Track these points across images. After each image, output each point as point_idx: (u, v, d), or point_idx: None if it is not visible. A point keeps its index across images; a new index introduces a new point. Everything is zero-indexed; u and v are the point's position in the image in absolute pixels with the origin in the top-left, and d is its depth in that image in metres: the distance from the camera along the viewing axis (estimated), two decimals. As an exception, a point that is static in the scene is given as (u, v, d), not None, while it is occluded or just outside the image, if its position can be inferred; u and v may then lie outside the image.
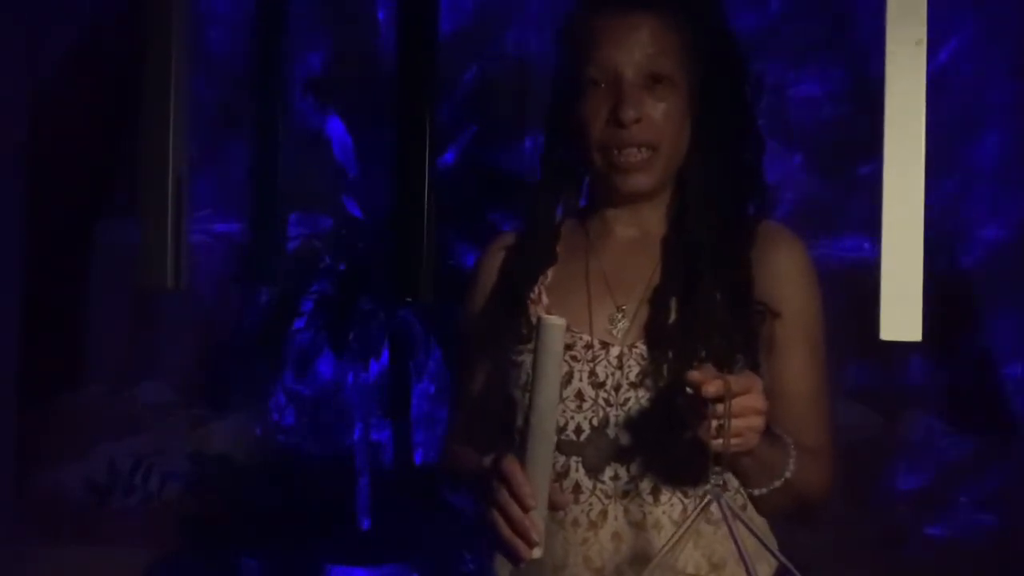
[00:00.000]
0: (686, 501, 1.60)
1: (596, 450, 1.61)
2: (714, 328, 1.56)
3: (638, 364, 1.60)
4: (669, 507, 1.60)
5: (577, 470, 1.61)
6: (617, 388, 1.61)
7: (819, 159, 4.69)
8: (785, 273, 1.64)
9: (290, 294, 4.36)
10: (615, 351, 1.61)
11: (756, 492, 1.55)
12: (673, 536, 1.45)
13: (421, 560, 4.14)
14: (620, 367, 1.61)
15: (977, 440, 4.40)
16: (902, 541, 4.18)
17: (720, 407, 1.39)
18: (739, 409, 1.39)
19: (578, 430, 1.61)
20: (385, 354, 4.34)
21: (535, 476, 1.46)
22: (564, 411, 1.62)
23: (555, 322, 1.43)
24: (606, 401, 1.61)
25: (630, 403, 1.60)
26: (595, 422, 1.61)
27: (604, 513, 1.60)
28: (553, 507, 1.50)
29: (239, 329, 4.70)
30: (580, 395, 1.62)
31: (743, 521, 1.42)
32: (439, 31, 2.01)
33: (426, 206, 1.87)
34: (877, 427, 4.40)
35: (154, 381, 4.72)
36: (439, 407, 4.43)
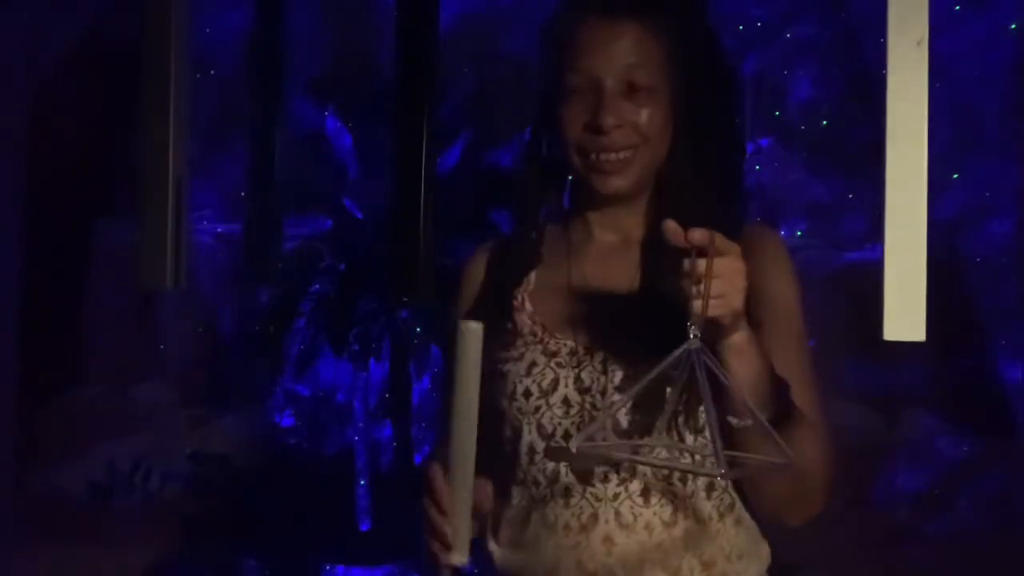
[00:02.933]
0: (676, 501, 1.60)
1: (584, 455, 1.61)
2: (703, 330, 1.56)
3: (622, 369, 1.60)
4: (659, 508, 1.60)
5: (567, 475, 1.61)
6: (603, 392, 1.61)
7: (819, 159, 4.69)
8: (763, 269, 1.64)
9: (290, 294, 4.37)
10: (599, 356, 1.62)
11: (749, 422, 1.51)
12: (646, 378, 1.41)
13: (421, 560, 4.14)
14: (604, 372, 1.61)
15: (977, 440, 4.40)
16: (902, 541, 4.18)
17: (700, 263, 1.37)
18: (720, 269, 1.37)
19: (566, 436, 1.61)
20: (385, 354, 4.34)
21: (456, 481, 1.46)
22: (552, 418, 1.62)
23: (473, 327, 1.43)
24: (592, 406, 1.61)
25: (616, 406, 1.60)
26: (582, 427, 1.61)
27: (595, 516, 1.60)
28: (475, 508, 1.50)
29: (239, 329, 4.70)
30: (567, 401, 1.62)
31: (718, 371, 1.38)
32: (439, 31, 2.01)
33: (425, 206, 1.88)
34: (877, 427, 4.40)
35: (154, 381, 4.73)
36: (439, 407, 4.43)
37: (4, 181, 3.82)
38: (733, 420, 1.47)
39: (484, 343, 1.69)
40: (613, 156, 1.62)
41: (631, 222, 1.69)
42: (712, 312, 1.38)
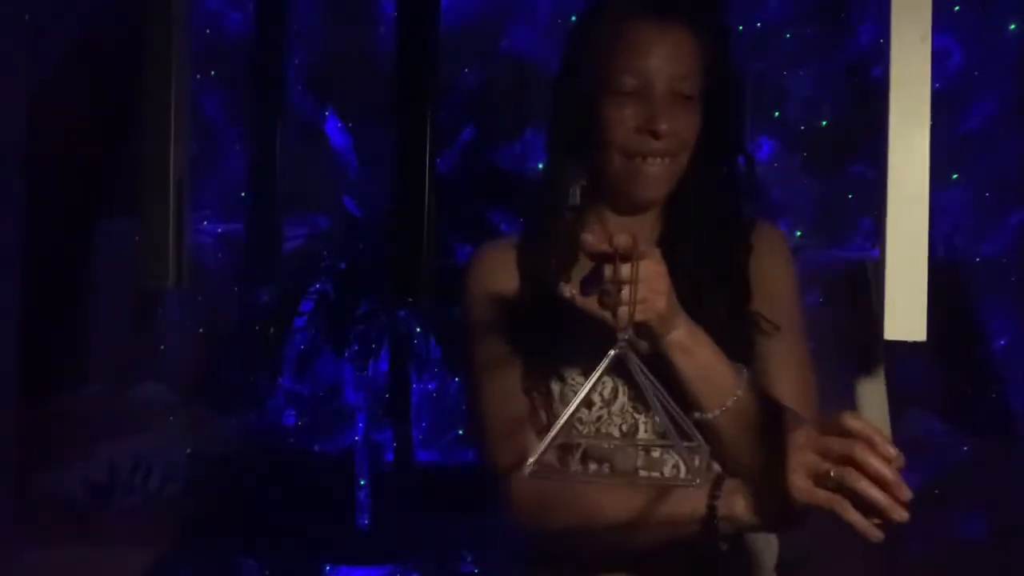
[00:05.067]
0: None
1: (626, 455, 1.62)
2: (715, 334, 1.56)
3: (662, 373, 1.60)
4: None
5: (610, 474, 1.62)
6: (642, 395, 1.61)
7: (819, 159, 4.70)
8: (765, 266, 1.65)
9: (290, 294, 4.37)
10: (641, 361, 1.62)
11: (710, 415, 1.52)
12: (581, 390, 1.41)
13: (421, 560, 4.14)
14: (648, 378, 1.61)
15: (977, 440, 4.40)
16: (902, 541, 4.18)
17: (624, 268, 1.36)
18: (641, 273, 1.37)
19: (609, 438, 1.62)
20: (385, 354, 4.34)
21: None
22: (610, 425, 1.63)
23: None
24: (634, 408, 1.62)
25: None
26: (624, 428, 1.62)
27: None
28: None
29: (239, 329, 4.70)
30: (623, 410, 1.63)
31: (650, 379, 1.38)
32: (439, 31, 2.01)
33: (426, 206, 1.88)
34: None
35: (154, 381, 4.73)
36: (439, 407, 4.44)
37: (4, 181, 3.81)
38: (697, 414, 1.48)
39: (528, 341, 1.66)
40: (658, 161, 1.62)
41: (647, 224, 1.69)
42: (637, 317, 1.38)
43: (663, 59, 1.61)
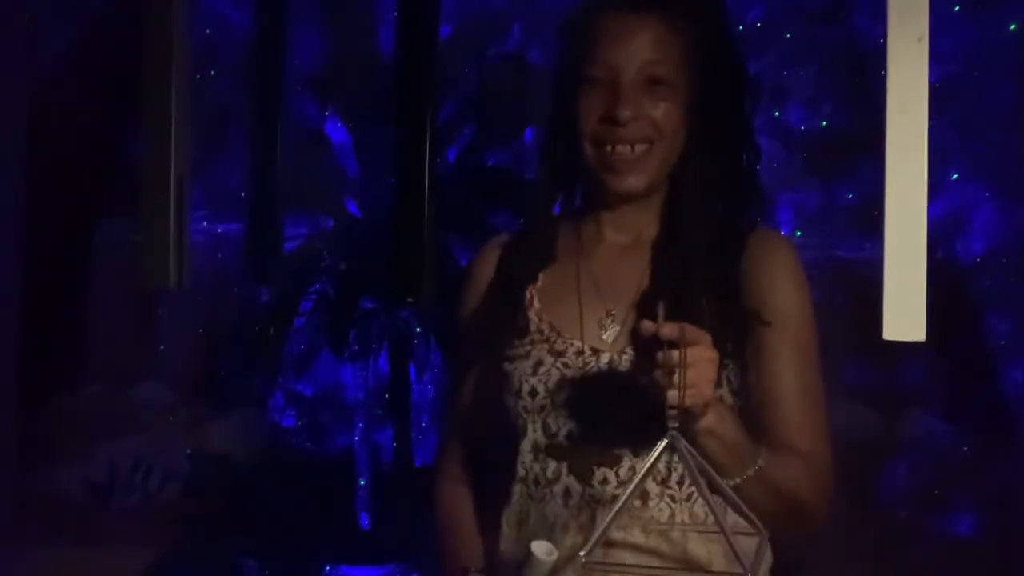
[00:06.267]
0: (674, 506, 1.60)
1: (584, 455, 1.61)
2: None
3: (629, 370, 1.59)
4: (657, 511, 1.60)
5: (567, 475, 1.61)
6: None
7: (819, 159, 4.69)
8: (772, 277, 1.63)
9: (290, 294, 4.37)
10: (605, 357, 1.61)
11: (731, 482, 1.52)
12: (636, 478, 1.42)
13: (421, 560, 4.14)
14: (611, 373, 1.61)
15: (977, 440, 4.40)
16: (902, 541, 4.17)
17: (674, 355, 1.38)
18: (691, 359, 1.38)
19: (569, 436, 1.61)
20: (385, 354, 4.34)
21: None
22: (557, 418, 1.62)
23: (544, 557, 1.49)
24: None
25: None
26: (586, 429, 1.61)
27: (593, 518, 1.60)
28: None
29: (239, 329, 4.70)
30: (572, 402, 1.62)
31: (703, 464, 1.40)
32: (439, 31, 2.01)
33: (426, 206, 1.87)
34: (877, 427, 4.40)
35: (154, 381, 4.72)
36: (439, 407, 4.43)
37: (4, 181, 3.81)
38: (728, 480, 1.49)
39: (492, 336, 1.68)
40: (628, 149, 1.61)
41: (643, 222, 1.68)
42: (686, 402, 1.39)
43: (631, 47, 1.61)
